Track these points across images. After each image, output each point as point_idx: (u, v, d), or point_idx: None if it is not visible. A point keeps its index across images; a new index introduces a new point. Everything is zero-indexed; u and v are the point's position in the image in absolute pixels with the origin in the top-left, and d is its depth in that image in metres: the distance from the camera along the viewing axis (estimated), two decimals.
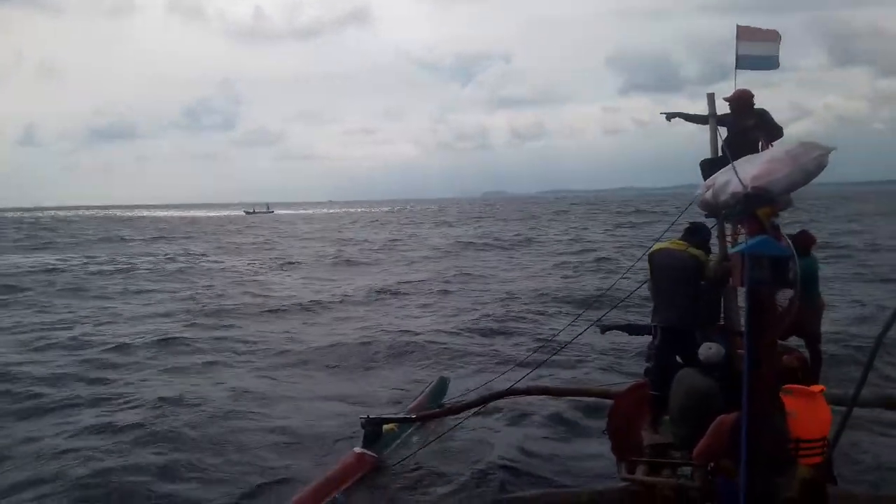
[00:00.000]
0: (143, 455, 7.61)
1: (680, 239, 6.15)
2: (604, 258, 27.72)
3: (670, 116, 7.38)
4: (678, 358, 6.03)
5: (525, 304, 17.38)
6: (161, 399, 9.55)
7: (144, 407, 9.35)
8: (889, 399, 8.22)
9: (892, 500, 5.40)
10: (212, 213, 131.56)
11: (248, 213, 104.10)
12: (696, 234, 6.14)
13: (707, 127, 7.13)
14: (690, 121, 7.29)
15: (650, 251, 6.24)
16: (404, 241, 44.03)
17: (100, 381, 10.90)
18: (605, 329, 7.10)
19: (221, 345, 13.46)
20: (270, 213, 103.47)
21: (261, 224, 76.78)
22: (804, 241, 7.68)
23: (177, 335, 14.10)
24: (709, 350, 5.23)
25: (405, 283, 22.07)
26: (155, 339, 13.81)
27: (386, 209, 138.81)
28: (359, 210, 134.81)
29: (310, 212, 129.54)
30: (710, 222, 6.54)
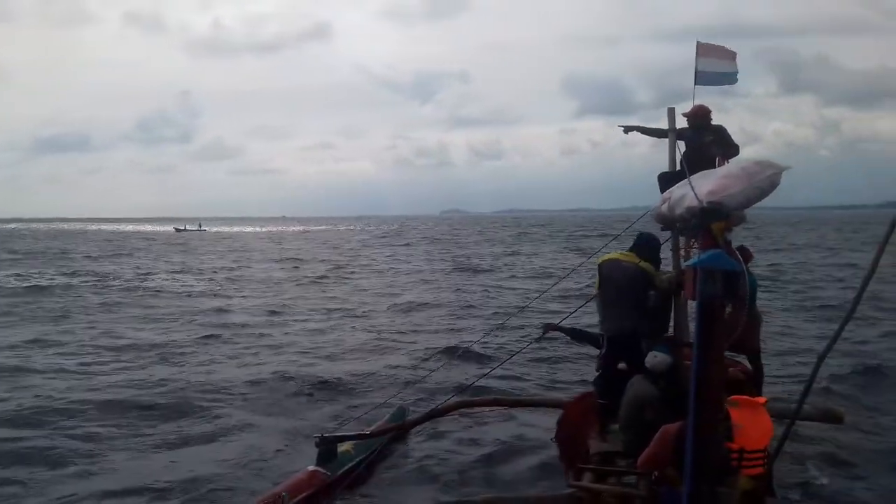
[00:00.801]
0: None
1: (629, 250, 6.24)
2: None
3: (628, 129, 7.49)
4: (625, 366, 6.11)
5: None
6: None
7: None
8: (830, 413, 8.49)
9: None
10: (142, 228, 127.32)
11: (177, 230, 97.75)
12: (644, 245, 6.24)
13: (662, 142, 7.25)
14: (648, 134, 7.41)
15: (599, 261, 6.31)
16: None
17: None
18: (547, 329, 7.09)
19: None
20: (202, 230, 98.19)
21: (183, 241, 70.17)
22: (744, 256, 7.87)
23: None
24: (654, 359, 5.33)
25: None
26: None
27: (344, 227, 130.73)
28: (297, 229, 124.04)
29: (248, 229, 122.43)
30: (664, 235, 6.64)
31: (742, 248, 7.66)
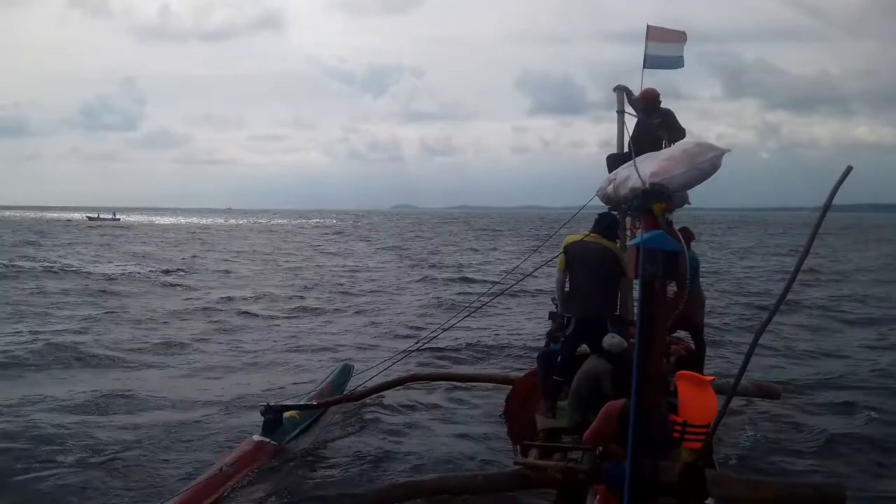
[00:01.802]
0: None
1: (592, 232, 6.17)
2: None
3: (621, 89, 7.43)
4: (585, 348, 6.13)
5: None
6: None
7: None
8: (767, 389, 8.82)
9: (765, 483, 5.77)
10: (54, 215, 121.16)
11: (91, 218, 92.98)
12: (603, 223, 6.21)
13: (610, 142, 7.30)
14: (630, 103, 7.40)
15: (565, 244, 6.21)
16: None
17: None
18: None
19: None
20: (116, 220, 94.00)
21: (87, 232, 63.88)
22: (685, 237, 8.04)
23: None
24: (612, 339, 5.40)
25: None
26: None
27: (283, 220, 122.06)
28: (237, 222, 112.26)
29: (173, 220, 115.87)
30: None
31: (685, 229, 7.84)
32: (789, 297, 3.61)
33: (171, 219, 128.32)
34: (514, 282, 8.19)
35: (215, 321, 15.66)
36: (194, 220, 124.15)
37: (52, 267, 26.81)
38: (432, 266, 31.02)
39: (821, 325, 15.55)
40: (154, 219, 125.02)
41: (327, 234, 67.09)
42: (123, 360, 11.46)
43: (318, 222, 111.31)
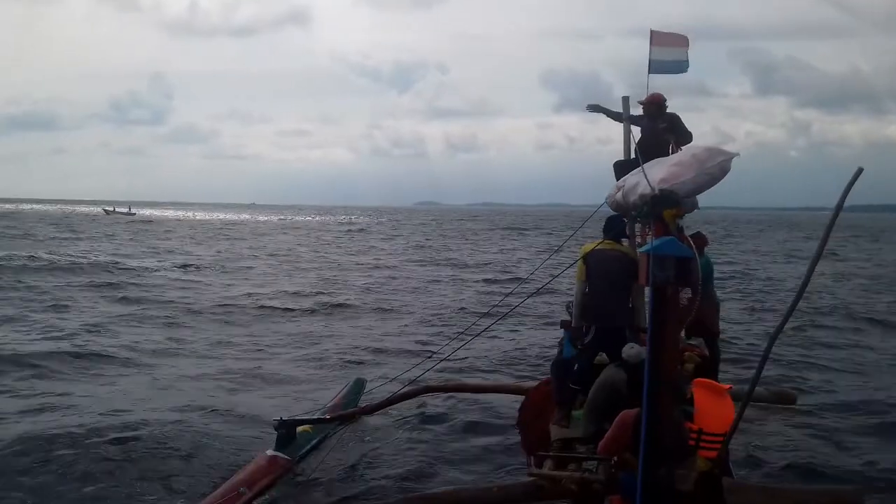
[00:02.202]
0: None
1: (607, 239, 6.10)
2: None
3: (593, 109, 7.51)
4: (605, 357, 6.07)
5: None
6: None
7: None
8: (782, 395, 8.74)
9: (782, 491, 5.70)
10: (70, 208, 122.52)
11: (107, 211, 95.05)
12: (613, 227, 6.14)
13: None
14: (610, 116, 7.44)
15: (583, 253, 6.12)
16: None
17: None
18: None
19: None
20: (132, 214, 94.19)
21: (104, 225, 64.38)
22: (698, 243, 8.01)
23: None
24: (631, 349, 5.34)
25: None
26: None
27: (308, 217, 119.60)
28: (263, 218, 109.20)
29: (189, 215, 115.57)
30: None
31: (698, 234, 7.82)
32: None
33: (199, 214, 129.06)
34: (535, 290, 8.09)
35: (231, 321, 15.74)
36: (219, 215, 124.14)
37: (74, 261, 26.86)
38: (456, 266, 30.98)
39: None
40: (180, 213, 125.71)
41: (351, 231, 66.53)
42: (135, 361, 11.51)
43: (344, 218, 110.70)
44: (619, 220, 6.23)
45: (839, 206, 3.25)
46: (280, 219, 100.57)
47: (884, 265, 32.81)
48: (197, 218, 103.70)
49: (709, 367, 6.95)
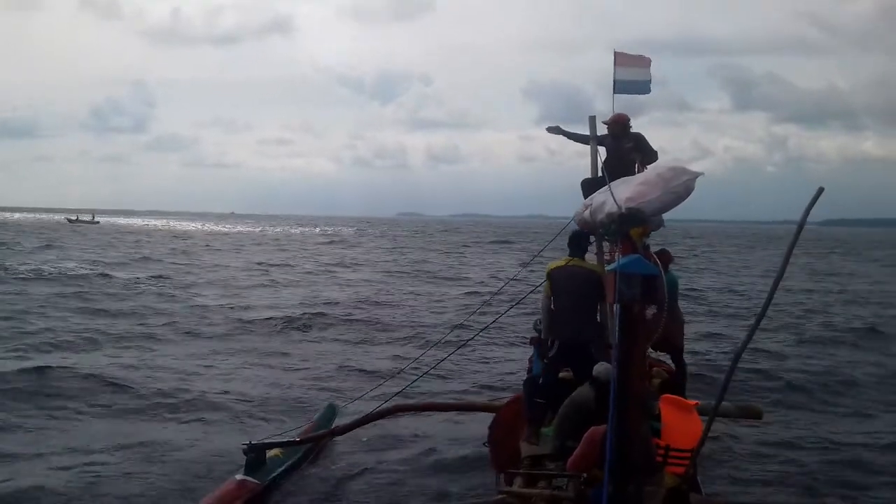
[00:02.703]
0: None
1: (571, 256, 6.22)
2: None
3: (552, 130, 7.61)
4: (569, 373, 6.13)
5: None
6: None
7: None
8: (749, 410, 8.82)
9: None
10: (31, 216, 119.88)
11: (70, 220, 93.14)
12: (579, 243, 6.25)
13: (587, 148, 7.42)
14: (570, 138, 7.55)
15: (548, 269, 6.25)
16: None
17: None
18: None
19: None
20: (95, 223, 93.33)
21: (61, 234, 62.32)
22: (663, 259, 8.14)
23: None
24: (600, 367, 5.37)
25: None
26: None
27: (288, 229, 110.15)
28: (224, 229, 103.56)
29: (153, 223, 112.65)
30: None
31: (662, 251, 7.92)
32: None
33: (157, 222, 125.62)
34: (510, 306, 8.13)
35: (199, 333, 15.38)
36: (193, 225, 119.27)
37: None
38: (438, 279, 30.67)
39: None
40: (132, 221, 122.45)
41: (334, 242, 64.28)
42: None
43: (328, 230, 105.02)
44: (583, 237, 6.34)
45: (800, 226, 3.34)
46: (261, 231, 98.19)
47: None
48: (159, 226, 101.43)
49: (676, 383, 7.04)
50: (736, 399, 8.66)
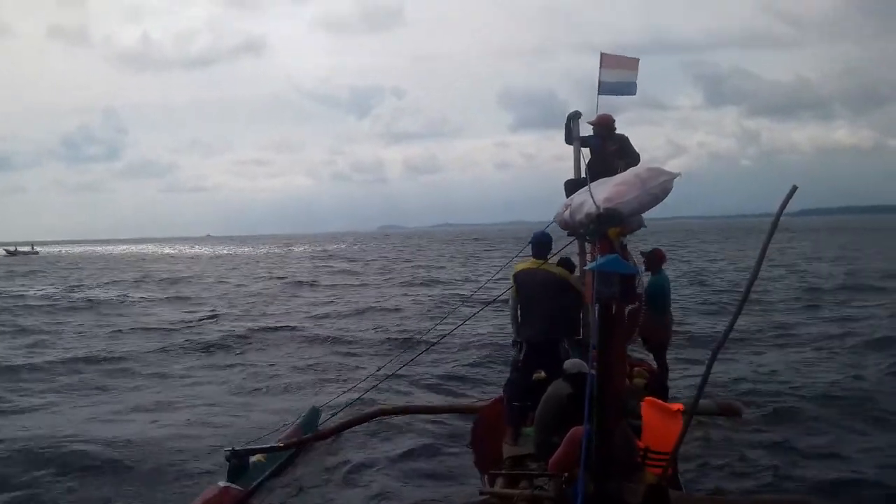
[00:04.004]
0: None
1: (535, 258, 6.46)
2: None
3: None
4: (542, 374, 6.21)
5: None
6: None
7: None
8: (729, 407, 8.91)
9: (729, 502, 5.81)
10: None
11: (9, 252, 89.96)
12: (540, 245, 6.47)
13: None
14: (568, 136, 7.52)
15: (514, 271, 6.52)
16: None
17: None
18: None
19: None
20: (35, 253, 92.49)
21: None
22: (656, 258, 8.23)
23: None
24: (569, 361, 5.45)
25: None
26: None
27: (258, 249, 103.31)
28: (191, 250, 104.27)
29: (100, 250, 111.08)
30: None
31: (655, 251, 7.97)
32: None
33: (103, 248, 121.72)
34: (477, 310, 8.24)
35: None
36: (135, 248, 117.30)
37: None
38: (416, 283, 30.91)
39: None
40: (75, 249, 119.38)
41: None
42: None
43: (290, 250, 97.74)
44: (545, 240, 6.51)
45: (774, 224, 3.38)
46: (229, 251, 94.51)
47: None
48: (114, 252, 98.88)
49: (659, 382, 7.10)
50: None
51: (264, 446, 7.51)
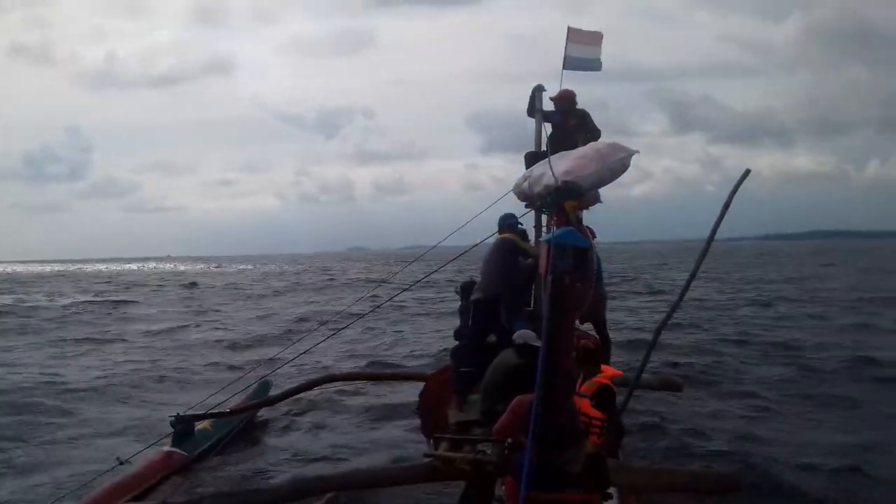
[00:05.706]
0: None
1: (499, 232, 6.65)
2: None
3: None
4: (494, 339, 6.26)
5: None
6: None
7: None
8: (670, 382, 9.18)
9: (666, 471, 5.97)
10: None
11: None
12: (503, 223, 6.67)
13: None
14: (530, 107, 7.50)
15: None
16: None
17: None
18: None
19: None
20: None
21: None
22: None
23: None
24: (520, 332, 5.49)
25: None
26: None
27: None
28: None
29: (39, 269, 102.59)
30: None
31: (587, 228, 8.00)
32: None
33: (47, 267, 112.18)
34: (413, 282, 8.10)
35: None
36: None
37: None
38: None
39: None
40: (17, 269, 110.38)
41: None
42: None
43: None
44: (509, 219, 6.70)
45: (726, 205, 3.44)
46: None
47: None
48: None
49: (601, 353, 7.22)
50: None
51: (210, 412, 7.40)
